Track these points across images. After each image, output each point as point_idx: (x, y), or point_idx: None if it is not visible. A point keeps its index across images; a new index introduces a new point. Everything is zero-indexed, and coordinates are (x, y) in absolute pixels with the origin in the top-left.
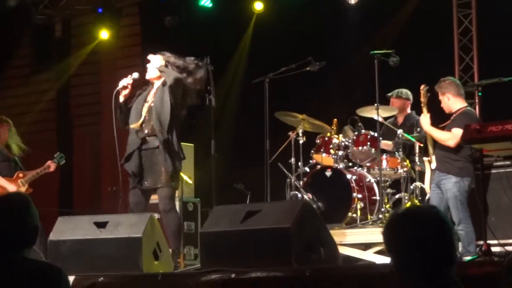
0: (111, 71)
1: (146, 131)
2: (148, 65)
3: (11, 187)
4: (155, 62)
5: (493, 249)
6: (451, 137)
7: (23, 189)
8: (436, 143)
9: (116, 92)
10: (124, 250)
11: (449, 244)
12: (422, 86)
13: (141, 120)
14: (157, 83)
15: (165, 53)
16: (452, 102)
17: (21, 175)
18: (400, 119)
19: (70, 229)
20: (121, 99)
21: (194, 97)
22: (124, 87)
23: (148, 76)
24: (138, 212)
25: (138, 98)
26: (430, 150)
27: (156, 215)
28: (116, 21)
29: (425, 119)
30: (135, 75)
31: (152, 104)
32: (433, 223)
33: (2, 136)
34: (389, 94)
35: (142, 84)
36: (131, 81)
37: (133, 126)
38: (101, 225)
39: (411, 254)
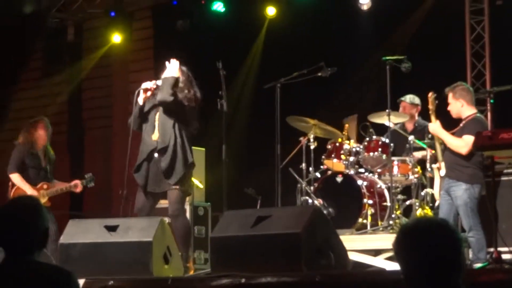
0: (123, 74)
1: (157, 138)
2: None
3: (30, 192)
4: (170, 70)
5: (504, 256)
6: (464, 144)
7: (42, 200)
8: (444, 150)
9: (137, 92)
10: (135, 254)
11: (457, 251)
12: (430, 94)
13: (156, 129)
14: None
15: (187, 72)
16: (465, 109)
17: (45, 186)
18: (410, 126)
19: (81, 232)
20: (141, 101)
21: (194, 123)
22: (146, 89)
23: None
24: (141, 217)
25: (153, 109)
26: (439, 157)
27: (167, 219)
28: (129, 24)
29: (436, 126)
30: (159, 82)
31: (160, 112)
32: (442, 231)
33: (41, 138)
34: (402, 98)
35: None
36: (154, 86)
37: (154, 137)
38: (111, 228)
39: (420, 261)
